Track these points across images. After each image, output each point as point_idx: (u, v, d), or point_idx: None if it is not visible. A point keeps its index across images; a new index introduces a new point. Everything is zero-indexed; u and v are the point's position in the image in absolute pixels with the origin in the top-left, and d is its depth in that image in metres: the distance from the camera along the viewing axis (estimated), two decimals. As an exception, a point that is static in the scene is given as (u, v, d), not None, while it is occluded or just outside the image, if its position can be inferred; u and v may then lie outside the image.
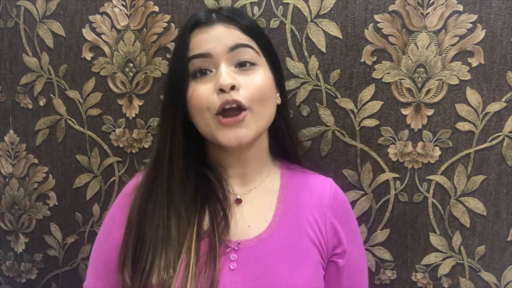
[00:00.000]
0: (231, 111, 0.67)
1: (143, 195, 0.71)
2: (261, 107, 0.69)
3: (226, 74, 0.67)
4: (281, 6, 0.87)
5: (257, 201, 0.74)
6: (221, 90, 0.66)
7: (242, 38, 0.70)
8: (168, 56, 0.92)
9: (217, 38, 0.69)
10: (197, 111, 0.69)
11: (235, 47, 0.68)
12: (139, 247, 0.68)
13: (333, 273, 0.74)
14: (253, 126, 0.68)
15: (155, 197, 0.70)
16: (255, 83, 0.69)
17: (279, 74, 0.76)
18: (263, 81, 0.70)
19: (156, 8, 0.91)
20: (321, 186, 0.77)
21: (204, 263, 0.65)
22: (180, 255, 0.66)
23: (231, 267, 0.67)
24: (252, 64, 0.70)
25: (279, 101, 0.76)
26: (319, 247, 0.71)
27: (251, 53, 0.70)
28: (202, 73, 0.69)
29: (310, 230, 0.71)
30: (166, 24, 0.91)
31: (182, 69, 0.70)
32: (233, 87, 0.66)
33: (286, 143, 0.80)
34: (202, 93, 0.68)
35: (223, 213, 0.70)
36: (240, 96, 0.67)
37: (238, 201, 0.74)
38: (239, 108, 0.67)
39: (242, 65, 0.69)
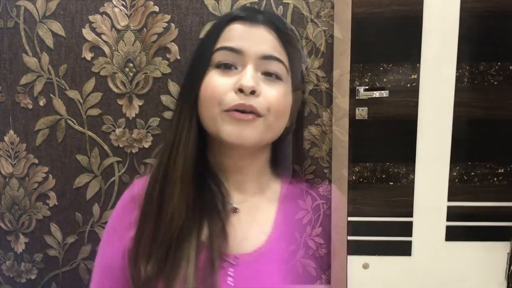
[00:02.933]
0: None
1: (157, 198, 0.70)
2: (275, 120, 0.67)
3: (250, 76, 0.64)
4: (281, 6, 0.87)
5: (255, 212, 0.72)
6: (240, 91, 0.64)
7: (279, 51, 0.67)
8: (168, 56, 0.92)
9: (256, 38, 0.66)
10: (206, 103, 0.66)
11: (269, 57, 0.66)
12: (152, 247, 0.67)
13: None
14: (260, 131, 0.66)
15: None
16: (276, 95, 0.66)
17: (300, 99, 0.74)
18: (284, 96, 0.67)
19: (156, 8, 0.91)
20: (319, 199, 0.75)
21: (203, 278, 0.63)
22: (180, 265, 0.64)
23: (229, 283, 0.65)
24: (278, 78, 0.67)
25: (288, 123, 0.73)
26: (319, 261, 0.71)
27: (281, 68, 0.67)
28: (227, 66, 0.66)
29: (310, 244, 0.71)
30: (166, 24, 0.91)
31: (207, 58, 0.67)
32: (253, 92, 0.64)
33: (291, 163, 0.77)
34: (219, 85, 0.65)
35: (222, 225, 0.67)
36: (258, 103, 0.64)
37: (234, 209, 0.72)
38: (253, 113, 0.65)
39: (268, 75, 0.66)
